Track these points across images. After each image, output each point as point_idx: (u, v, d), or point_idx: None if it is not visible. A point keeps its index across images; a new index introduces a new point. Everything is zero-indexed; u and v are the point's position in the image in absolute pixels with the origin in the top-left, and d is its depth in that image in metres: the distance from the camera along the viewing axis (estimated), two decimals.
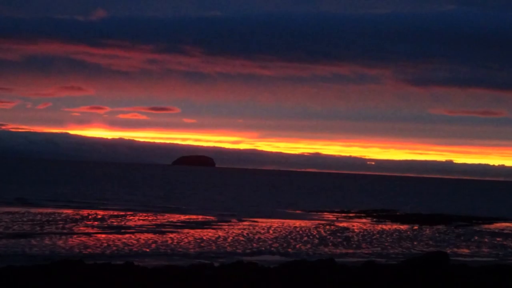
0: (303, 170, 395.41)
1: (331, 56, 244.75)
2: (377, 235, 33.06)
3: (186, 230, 31.25)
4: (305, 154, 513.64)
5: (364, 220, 44.04)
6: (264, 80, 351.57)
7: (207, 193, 76.41)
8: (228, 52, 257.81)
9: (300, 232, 33.19)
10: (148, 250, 23.40)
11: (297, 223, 39.07)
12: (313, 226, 37.15)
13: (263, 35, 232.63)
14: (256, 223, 37.16)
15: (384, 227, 38.60)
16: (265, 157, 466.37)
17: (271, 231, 32.67)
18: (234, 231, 32.14)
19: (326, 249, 26.19)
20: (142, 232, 29.65)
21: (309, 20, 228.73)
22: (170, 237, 27.58)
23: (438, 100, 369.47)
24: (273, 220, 40.32)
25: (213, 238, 28.10)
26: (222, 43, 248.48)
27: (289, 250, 25.47)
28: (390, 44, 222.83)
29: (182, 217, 39.56)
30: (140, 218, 38.20)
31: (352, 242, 29.39)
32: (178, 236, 28.19)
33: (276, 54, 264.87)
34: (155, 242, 25.77)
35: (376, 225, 39.80)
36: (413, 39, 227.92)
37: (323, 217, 46.24)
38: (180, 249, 23.89)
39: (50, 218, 34.07)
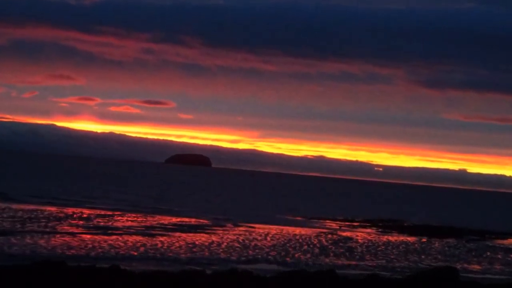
0: (305, 173, 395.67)
1: (340, 53, 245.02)
2: (382, 247, 33.12)
3: (177, 234, 31.31)
4: (308, 156, 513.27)
5: (368, 230, 44.15)
6: (267, 76, 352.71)
7: (201, 195, 76.50)
8: (229, 44, 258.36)
9: (300, 240, 33.27)
10: (136, 253, 23.43)
11: (297, 230, 39.17)
12: (314, 234, 37.22)
13: (268, 27, 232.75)
14: (253, 229, 37.23)
15: (390, 238, 38.66)
16: (265, 158, 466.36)
17: (268, 238, 32.75)
18: (229, 236, 32.23)
19: (327, 260, 26.24)
20: (130, 234, 29.71)
21: (318, 13, 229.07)
22: (160, 241, 27.63)
23: (452, 104, 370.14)
24: (271, 226, 40.38)
25: (206, 244, 28.16)
26: (223, 35, 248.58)
27: (288, 259, 25.51)
28: (404, 42, 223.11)
29: (174, 220, 39.61)
30: (129, 219, 38.28)
31: (355, 253, 29.47)
32: (169, 240, 28.25)
33: (281, 48, 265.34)
34: (144, 245, 25.82)
35: (381, 236, 39.88)
36: (428, 38, 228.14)
37: (325, 225, 46.34)
38: (170, 254, 23.93)
39: (32, 216, 34.11)
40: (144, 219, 38.54)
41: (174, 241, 27.94)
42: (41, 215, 34.84)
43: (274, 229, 38.49)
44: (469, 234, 45.08)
